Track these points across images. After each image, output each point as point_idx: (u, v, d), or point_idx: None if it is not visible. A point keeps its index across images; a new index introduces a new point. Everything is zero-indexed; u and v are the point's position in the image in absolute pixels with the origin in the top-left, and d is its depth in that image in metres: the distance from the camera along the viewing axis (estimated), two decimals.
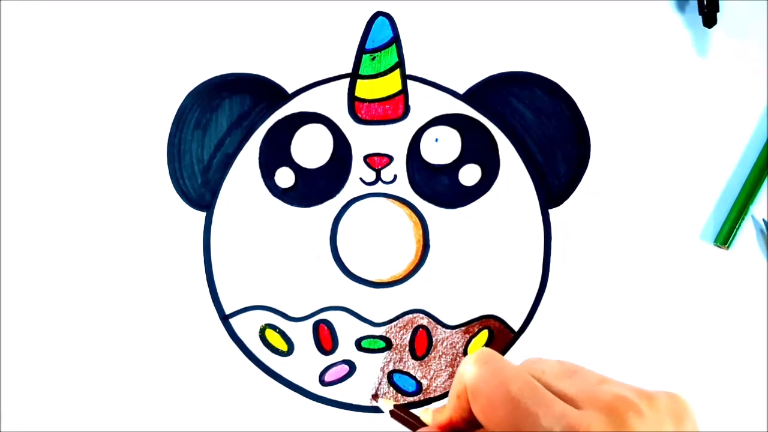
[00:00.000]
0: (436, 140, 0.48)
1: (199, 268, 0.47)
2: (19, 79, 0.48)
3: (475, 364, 0.31)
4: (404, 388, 0.47)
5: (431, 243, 0.48)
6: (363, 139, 0.48)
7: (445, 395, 0.47)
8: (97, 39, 0.48)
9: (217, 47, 0.48)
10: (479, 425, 0.33)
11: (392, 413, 0.41)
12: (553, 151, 0.48)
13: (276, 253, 0.47)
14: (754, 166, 0.48)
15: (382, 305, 0.48)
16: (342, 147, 0.48)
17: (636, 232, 0.48)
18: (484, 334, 0.48)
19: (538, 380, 0.31)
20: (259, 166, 0.48)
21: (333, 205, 0.48)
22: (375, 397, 0.47)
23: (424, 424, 0.36)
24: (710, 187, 0.48)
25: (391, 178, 0.48)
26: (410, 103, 0.48)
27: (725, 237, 0.47)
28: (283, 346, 0.47)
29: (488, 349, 0.32)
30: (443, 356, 0.47)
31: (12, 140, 0.48)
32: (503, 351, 0.47)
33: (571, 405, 0.29)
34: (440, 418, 0.34)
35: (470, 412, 0.32)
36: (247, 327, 0.47)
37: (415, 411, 0.39)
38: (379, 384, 0.47)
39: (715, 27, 0.47)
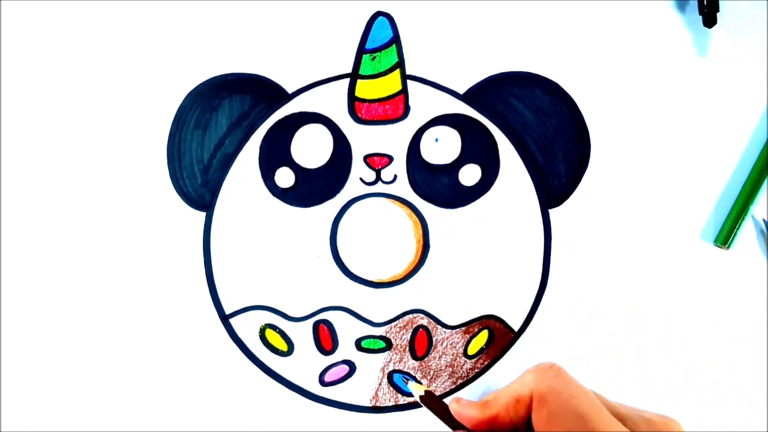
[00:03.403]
0: (436, 140, 0.48)
1: (199, 268, 0.47)
2: (19, 80, 0.48)
3: (546, 374, 0.33)
4: (404, 388, 0.47)
5: (431, 243, 0.48)
6: (363, 139, 0.48)
7: (445, 395, 0.47)
8: (97, 39, 0.48)
9: (217, 47, 0.48)
10: None
11: (422, 399, 0.40)
12: (553, 151, 0.48)
13: (276, 253, 0.47)
14: (754, 166, 0.48)
15: (382, 305, 0.48)
16: (342, 147, 0.48)
17: (636, 232, 0.48)
18: (484, 334, 0.48)
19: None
20: (259, 166, 0.48)
21: (333, 205, 0.48)
22: (407, 379, 0.46)
23: (451, 416, 0.36)
24: (710, 187, 0.48)
25: (391, 178, 0.48)
26: (410, 103, 0.48)
27: (725, 237, 0.47)
28: (283, 346, 0.47)
29: (556, 364, 0.33)
30: (443, 356, 0.47)
31: (12, 140, 0.48)
32: (503, 351, 0.47)
33: (627, 426, 0.31)
34: (483, 413, 0.34)
35: (523, 418, 0.33)
36: (247, 327, 0.47)
37: (447, 400, 0.38)
38: (380, 384, 0.47)
39: (715, 27, 0.47)
